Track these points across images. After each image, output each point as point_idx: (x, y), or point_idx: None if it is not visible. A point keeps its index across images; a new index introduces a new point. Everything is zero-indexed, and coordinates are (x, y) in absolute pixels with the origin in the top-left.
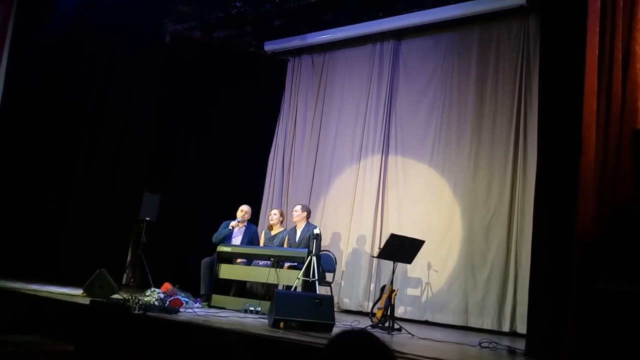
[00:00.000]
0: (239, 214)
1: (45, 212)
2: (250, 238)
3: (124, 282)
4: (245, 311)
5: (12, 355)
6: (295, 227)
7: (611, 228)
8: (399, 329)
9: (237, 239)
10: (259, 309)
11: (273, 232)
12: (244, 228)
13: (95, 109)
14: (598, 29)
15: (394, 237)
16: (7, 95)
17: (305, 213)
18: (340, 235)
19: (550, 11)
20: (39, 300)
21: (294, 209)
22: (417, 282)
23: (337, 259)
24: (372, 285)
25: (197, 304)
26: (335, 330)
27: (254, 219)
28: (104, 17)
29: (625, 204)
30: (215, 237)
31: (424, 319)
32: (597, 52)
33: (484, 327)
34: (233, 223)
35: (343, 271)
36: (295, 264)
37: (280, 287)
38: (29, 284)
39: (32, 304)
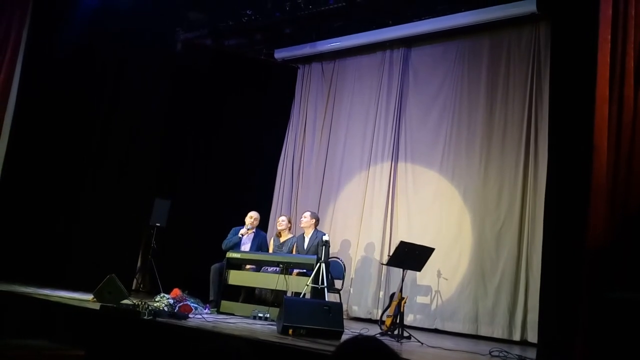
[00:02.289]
0: (248, 220)
1: (56, 218)
2: (260, 244)
3: (133, 287)
4: (254, 317)
5: (23, 359)
6: (304, 234)
7: (623, 235)
8: (408, 337)
9: (246, 246)
10: (268, 315)
11: (282, 239)
12: (252, 235)
13: (105, 115)
14: (610, 36)
15: (403, 245)
16: (20, 103)
17: (314, 220)
18: (350, 243)
19: (561, 18)
20: (49, 305)
21: (303, 215)
22: (427, 289)
23: (346, 266)
24: (382, 293)
25: (206, 310)
26: (344, 337)
27: (263, 225)
28: (115, 26)
29: (637, 211)
30: (225, 244)
31: (433, 327)
32: (608, 59)
33: (495, 335)
34: (242, 231)
35: (352, 278)
36: (304, 270)
37: (289, 294)
38: (40, 289)
39: (43, 308)
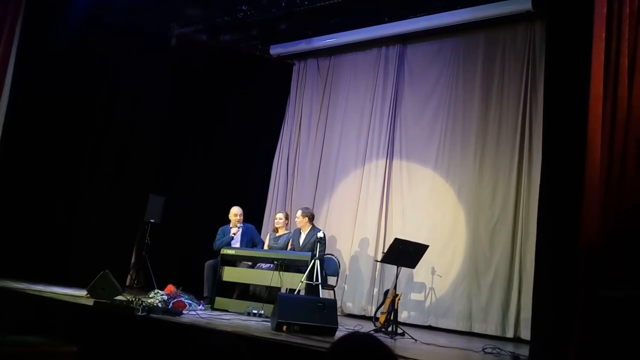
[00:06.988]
0: (234, 218)
1: (51, 214)
2: (250, 237)
3: (127, 283)
4: (249, 314)
5: (16, 356)
6: (300, 230)
7: (616, 233)
8: (402, 334)
9: (236, 243)
10: (262, 311)
11: (278, 234)
12: (240, 231)
13: (102, 111)
14: (604, 34)
15: (397, 242)
16: (14, 97)
17: (307, 218)
18: (344, 239)
19: (556, 17)
20: (43, 301)
21: (296, 215)
22: (421, 286)
23: (340, 263)
24: (376, 290)
25: (201, 306)
26: (339, 334)
27: (258, 221)
28: (112, 21)
29: (630, 209)
30: (217, 246)
31: (427, 323)
32: (603, 57)
33: (488, 332)
34: (234, 230)
35: (346, 275)
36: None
37: (283, 291)
38: (33, 285)
39: (36, 304)
